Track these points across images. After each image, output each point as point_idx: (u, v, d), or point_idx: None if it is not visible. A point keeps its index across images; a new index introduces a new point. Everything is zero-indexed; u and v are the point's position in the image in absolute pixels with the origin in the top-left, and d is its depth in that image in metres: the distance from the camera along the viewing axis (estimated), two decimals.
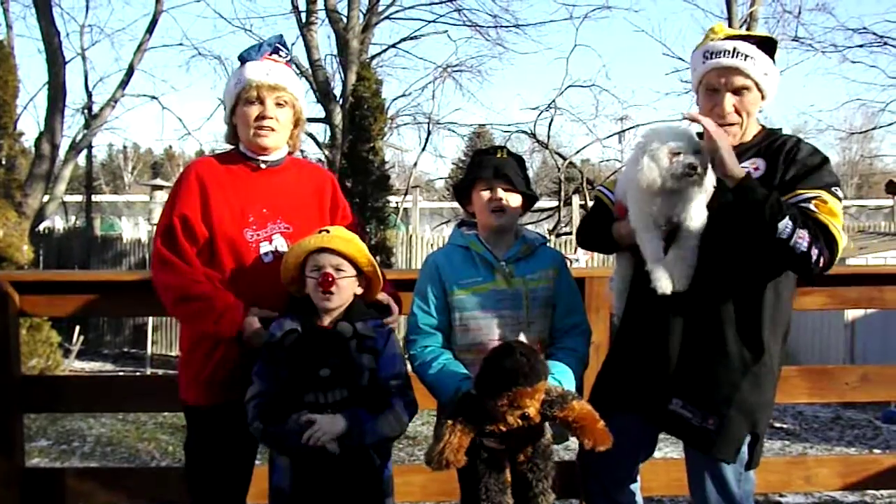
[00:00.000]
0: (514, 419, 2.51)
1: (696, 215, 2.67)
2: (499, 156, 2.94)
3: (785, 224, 2.50)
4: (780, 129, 2.87)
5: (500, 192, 2.88)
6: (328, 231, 2.75)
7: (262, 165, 2.98)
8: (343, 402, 2.61)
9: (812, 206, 2.56)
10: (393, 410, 2.67)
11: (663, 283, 2.66)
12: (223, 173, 2.96)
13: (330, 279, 2.68)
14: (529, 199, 2.98)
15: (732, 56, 2.71)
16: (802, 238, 2.50)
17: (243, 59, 3.01)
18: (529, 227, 3.09)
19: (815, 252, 2.52)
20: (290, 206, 2.97)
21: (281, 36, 3.20)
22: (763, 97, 2.77)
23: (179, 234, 2.87)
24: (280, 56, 3.04)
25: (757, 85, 2.73)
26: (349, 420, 2.59)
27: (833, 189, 2.62)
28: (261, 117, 2.91)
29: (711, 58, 2.75)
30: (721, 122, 2.72)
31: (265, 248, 2.89)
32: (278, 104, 2.94)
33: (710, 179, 2.64)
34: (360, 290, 2.79)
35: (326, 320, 2.73)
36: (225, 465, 2.90)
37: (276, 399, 2.63)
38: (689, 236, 2.68)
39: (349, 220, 3.10)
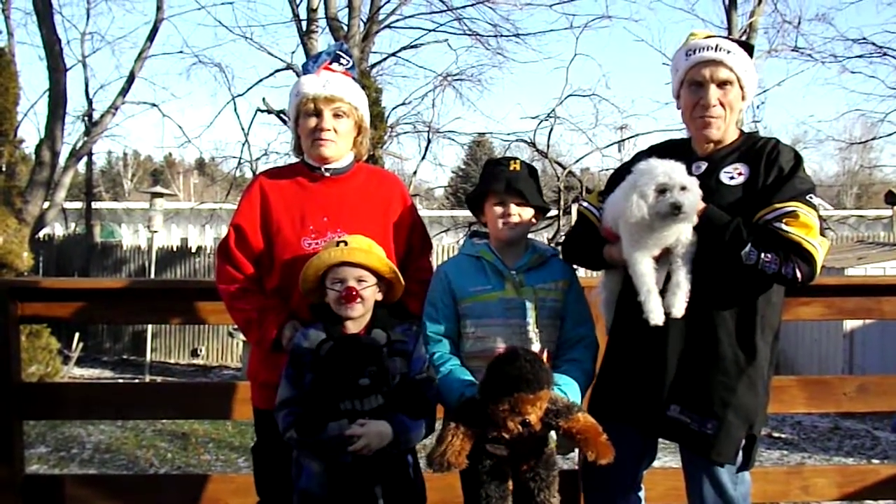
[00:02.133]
0: (515, 425, 2.52)
1: (688, 244, 2.70)
2: (512, 167, 2.94)
3: (748, 251, 2.56)
4: (757, 132, 2.90)
5: (513, 208, 2.90)
6: (346, 243, 2.76)
7: (326, 174, 3.03)
8: (379, 408, 2.64)
9: (783, 225, 2.59)
10: (428, 413, 2.72)
11: (655, 315, 2.67)
12: (287, 183, 3.04)
13: (354, 293, 2.70)
14: (542, 209, 3.00)
15: (715, 51, 2.76)
16: (769, 261, 2.56)
17: (303, 70, 3.06)
18: (528, 235, 3.08)
19: (787, 271, 2.56)
20: (352, 214, 3.01)
21: (341, 43, 3.25)
22: (743, 97, 2.81)
23: (232, 243, 3.00)
24: (340, 64, 3.07)
25: (739, 80, 2.77)
26: (396, 428, 2.62)
27: (807, 197, 2.64)
28: (318, 129, 2.96)
29: (694, 53, 2.79)
30: (705, 116, 2.76)
31: None
32: (336, 115, 2.99)
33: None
34: (380, 296, 2.82)
35: (351, 329, 2.75)
36: (285, 467, 2.88)
37: (312, 409, 2.63)
38: (682, 263, 2.71)
39: (418, 229, 3.16)
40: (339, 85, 2.99)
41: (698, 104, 2.78)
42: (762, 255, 2.55)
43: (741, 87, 2.79)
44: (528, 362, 2.51)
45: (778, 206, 2.62)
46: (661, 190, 2.63)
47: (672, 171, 2.65)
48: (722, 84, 2.76)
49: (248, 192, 3.06)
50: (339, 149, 3.02)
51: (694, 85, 2.80)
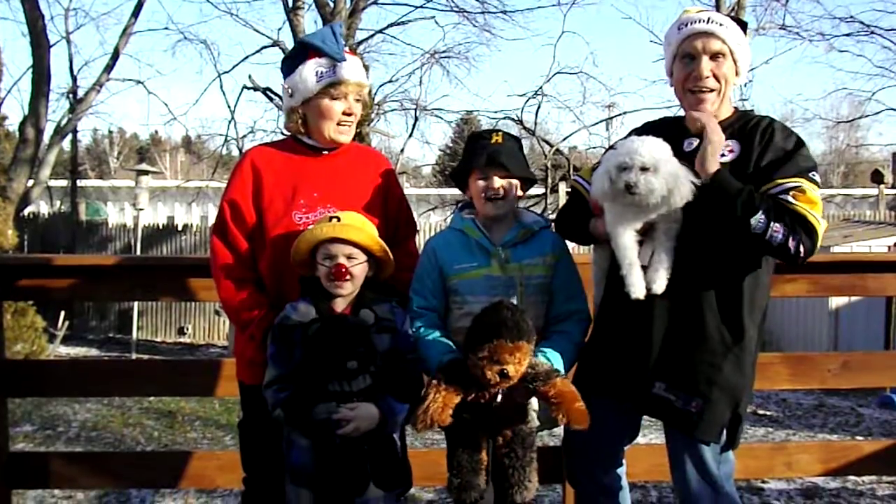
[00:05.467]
0: (493, 375, 2.54)
1: (672, 220, 2.69)
2: (493, 140, 2.92)
3: (758, 219, 2.53)
4: (752, 110, 2.89)
5: (496, 181, 2.87)
6: (339, 219, 2.76)
7: (324, 152, 3.05)
8: (366, 389, 2.66)
9: (790, 198, 2.58)
10: (414, 396, 2.73)
11: (637, 289, 2.68)
12: (278, 158, 3.04)
13: (343, 270, 2.70)
14: (528, 180, 2.99)
15: (707, 23, 2.76)
16: (777, 231, 2.54)
17: (317, 49, 2.97)
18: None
19: (792, 243, 2.55)
20: (342, 191, 3.01)
21: (340, 24, 3.23)
22: (737, 72, 2.80)
23: (228, 218, 2.99)
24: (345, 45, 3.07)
25: (732, 53, 2.76)
26: (384, 410, 2.66)
27: (811, 174, 2.64)
28: (347, 115, 2.99)
29: (687, 26, 2.79)
30: (697, 88, 2.76)
31: None
32: (357, 100, 3.01)
33: (683, 192, 2.62)
34: (370, 273, 2.81)
35: (340, 305, 2.76)
36: (271, 442, 2.88)
37: (300, 390, 2.66)
38: (665, 240, 2.70)
39: (404, 212, 3.18)
40: (362, 70, 3.03)
41: (690, 76, 2.77)
42: (772, 223, 2.53)
43: (734, 61, 2.77)
44: (510, 311, 2.55)
45: (781, 181, 2.61)
46: (623, 168, 2.64)
47: (636, 151, 2.63)
48: (715, 56, 2.75)
49: (240, 167, 3.05)
50: (352, 132, 3.06)
51: (686, 57, 2.79)
